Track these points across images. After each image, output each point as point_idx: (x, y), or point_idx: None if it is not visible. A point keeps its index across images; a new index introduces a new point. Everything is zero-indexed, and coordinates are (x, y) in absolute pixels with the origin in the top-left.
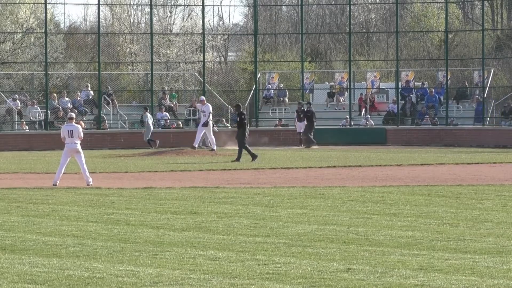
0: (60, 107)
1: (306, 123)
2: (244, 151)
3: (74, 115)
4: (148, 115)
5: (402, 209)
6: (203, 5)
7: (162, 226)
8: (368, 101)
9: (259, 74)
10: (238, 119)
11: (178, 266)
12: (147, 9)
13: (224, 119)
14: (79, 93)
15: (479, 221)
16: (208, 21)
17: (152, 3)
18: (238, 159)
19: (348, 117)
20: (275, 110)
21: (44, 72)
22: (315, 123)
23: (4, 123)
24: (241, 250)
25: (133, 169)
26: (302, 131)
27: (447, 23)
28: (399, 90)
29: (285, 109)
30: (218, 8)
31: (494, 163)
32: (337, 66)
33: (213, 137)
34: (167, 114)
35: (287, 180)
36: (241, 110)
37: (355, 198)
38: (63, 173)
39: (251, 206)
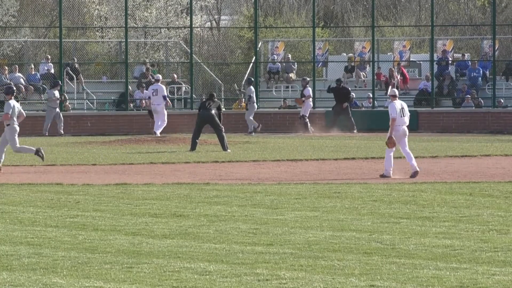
0: (12, 83)
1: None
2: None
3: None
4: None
5: (437, 211)
6: None
7: (139, 232)
8: (395, 76)
9: (260, 43)
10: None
11: (158, 282)
12: None
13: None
14: (32, 67)
15: None
16: None
17: None
18: (224, 149)
19: (370, 95)
20: (280, 88)
21: None
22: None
23: None
24: (237, 262)
25: (102, 161)
26: (304, 114)
27: None
28: (435, 63)
29: (291, 87)
30: None
31: None
32: (357, 34)
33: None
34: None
35: (294, 175)
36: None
37: (379, 197)
38: None
39: (250, 208)
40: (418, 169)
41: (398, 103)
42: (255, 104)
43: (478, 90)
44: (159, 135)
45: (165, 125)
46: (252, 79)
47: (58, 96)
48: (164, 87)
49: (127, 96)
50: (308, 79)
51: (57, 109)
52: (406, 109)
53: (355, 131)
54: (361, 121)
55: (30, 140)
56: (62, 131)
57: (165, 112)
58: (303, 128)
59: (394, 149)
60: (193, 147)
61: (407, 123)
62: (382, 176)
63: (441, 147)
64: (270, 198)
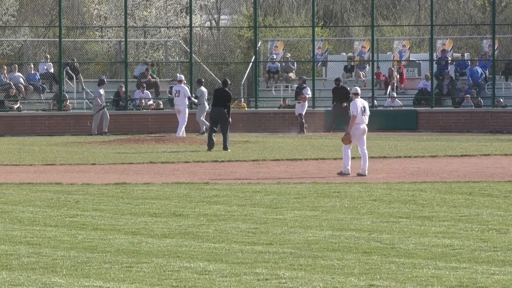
0: (12, 83)
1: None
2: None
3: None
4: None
5: (437, 211)
6: None
7: (138, 232)
8: (395, 75)
9: (260, 43)
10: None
11: (158, 281)
12: None
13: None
14: (32, 66)
15: None
16: None
17: None
18: (225, 148)
19: (370, 95)
20: (280, 87)
21: None
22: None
23: None
24: (236, 262)
25: (102, 161)
26: (301, 112)
27: None
28: (434, 62)
29: (290, 87)
30: None
31: None
32: (357, 33)
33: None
34: (148, 93)
35: (294, 174)
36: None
37: (378, 197)
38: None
39: (249, 207)
40: (366, 174)
41: (360, 102)
42: (205, 104)
43: (481, 89)
44: (181, 135)
45: (184, 125)
46: (203, 80)
47: (104, 94)
48: (187, 88)
49: (127, 95)
50: (305, 78)
51: (104, 108)
52: (367, 108)
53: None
54: None
55: (30, 140)
56: (107, 130)
57: (187, 112)
58: (299, 127)
59: (350, 146)
60: (210, 146)
61: (367, 121)
62: (341, 174)
63: (440, 146)
64: (269, 198)
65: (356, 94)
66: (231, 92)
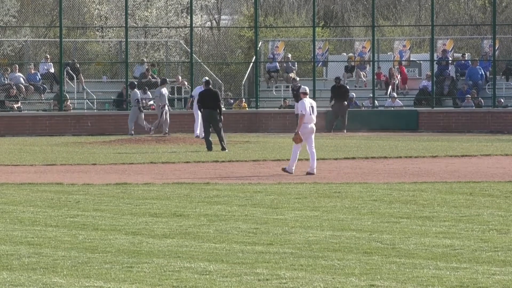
0: (12, 84)
1: (337, 102)
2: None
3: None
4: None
5: (437, 211)
6: None
7: (139, 232)
8: (396, 75)
9: (260, 43)
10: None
11: (158, 281)
12: None
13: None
14: (32, 66)
15: None
16: None
17: None
18: (222, 149)
19: (371, 95)
20: (280, 87)
21: None
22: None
23: None
24: (237, 262)
25: (103, 161)
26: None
27: None
28: (435, 62)
29: (291, 87)
30: None
31: None
32: (357, 33)
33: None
34: (149, 93)
35: (294, 174)
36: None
37: (379, 197)
38: None
39: (250, 207)
40: (314, 172)
41: (308, 101)
42: (138, 107)
43: (480, 89)
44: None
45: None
46: (135, 83)
47: (166, 94)
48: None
49: (127, 95)
50: (298, 78)
51: (165, 107)
52: (315, 108)
53: (345, 130)
54: (360, 120)
55: (30, 140)
56: (151, 127)
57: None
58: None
59: (300, 145)
60: (209, 148)
61: (315, 121)
62: (284, 170)
63: (441, 146)
64: (270, 198)
65: (305, 94)
66: (218, 90)
